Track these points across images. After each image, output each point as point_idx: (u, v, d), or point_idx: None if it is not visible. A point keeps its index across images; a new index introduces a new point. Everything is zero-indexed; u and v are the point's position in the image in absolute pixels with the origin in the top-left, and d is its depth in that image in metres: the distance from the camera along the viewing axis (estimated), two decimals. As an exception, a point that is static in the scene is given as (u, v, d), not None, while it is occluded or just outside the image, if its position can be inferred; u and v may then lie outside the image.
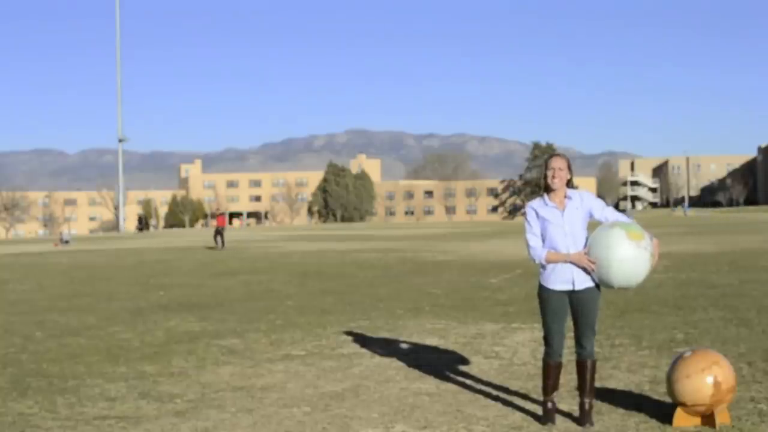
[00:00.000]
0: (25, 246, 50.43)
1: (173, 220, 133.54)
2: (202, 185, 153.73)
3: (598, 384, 6.98)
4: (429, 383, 7.44)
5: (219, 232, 36.00)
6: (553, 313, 6.02)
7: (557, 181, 5.97)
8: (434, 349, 9.14)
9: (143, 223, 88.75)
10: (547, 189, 6.01)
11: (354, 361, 8.55)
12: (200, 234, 63.71)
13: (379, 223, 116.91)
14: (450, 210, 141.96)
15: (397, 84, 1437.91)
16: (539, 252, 6.00)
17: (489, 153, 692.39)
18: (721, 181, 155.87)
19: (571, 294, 5.98)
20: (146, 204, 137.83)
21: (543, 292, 6.08)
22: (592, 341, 6.05)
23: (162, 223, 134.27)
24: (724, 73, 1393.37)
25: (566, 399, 6.63)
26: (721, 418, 5.75)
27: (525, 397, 6.84)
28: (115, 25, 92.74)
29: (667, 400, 6.25)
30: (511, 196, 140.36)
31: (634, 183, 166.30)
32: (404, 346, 9.41)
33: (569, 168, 6.03)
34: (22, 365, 8.77)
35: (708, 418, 5.75)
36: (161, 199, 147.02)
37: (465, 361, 8.44)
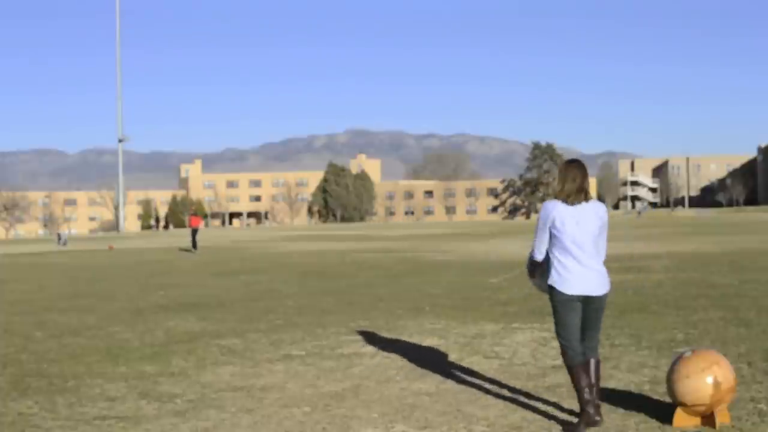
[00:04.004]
0: (25, 246, 50.43)
1: (174, 220, 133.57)
2: (202, 185, 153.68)
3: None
4: (429, 383, 7.43)
5: (194, 233, 35.08)
6: (573, 315, 5.93)
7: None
8: (434, 349, 9.14)
9: (160, 222, 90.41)
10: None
11: (354, 361, 8.55)
12: (200, 234, 63.65)
13: (379, 223, 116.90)
14: (450, 210, 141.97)
15: (397, 84, 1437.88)
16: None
17: (489, 153, 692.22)
18: (721, 181, 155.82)
19: (588, 298, 5.92)
20: (146, 204, 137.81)
21: (559, 296, 5.92)
22: (597, 340, 6.08)
23: (162, 223, 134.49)
24: (724, 73, 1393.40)
25: (566, 399, 6.63)
26: (721, 418, 5.75)
27: (525, 397, 6.83)
28: (115, 25, 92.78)
29: (667, 400, 6.25)
30: (511, 196, 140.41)
31: (634, 183, 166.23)
32: (404, 346, 9.41)
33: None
34: (22, 365, 8.77)
35: (708, 418, 5.75)
36: (161, 199, 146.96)
37: (465, 361, 8.44)
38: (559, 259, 5.92)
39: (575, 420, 6.01)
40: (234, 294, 15.68)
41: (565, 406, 6.45)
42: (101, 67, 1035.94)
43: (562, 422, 6.04)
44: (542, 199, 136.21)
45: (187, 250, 35.00)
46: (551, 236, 5.95)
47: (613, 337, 9.45)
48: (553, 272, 5.94)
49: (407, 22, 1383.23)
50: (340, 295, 14.93)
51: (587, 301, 5.94)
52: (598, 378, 6.01)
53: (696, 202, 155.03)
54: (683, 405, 5.77)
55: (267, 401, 6.93)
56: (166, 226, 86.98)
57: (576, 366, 5.91)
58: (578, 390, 5.90)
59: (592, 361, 5.99)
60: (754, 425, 5.79)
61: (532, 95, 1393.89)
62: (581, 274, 5.88)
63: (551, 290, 5.96)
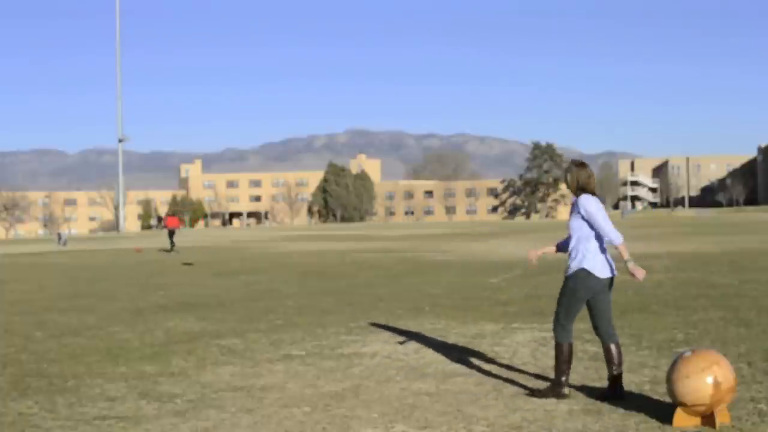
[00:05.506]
0: (25, 246, 50.44)
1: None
2: (202, 185, 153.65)
3: (598, 384, 7.10)
4: (429, 383, 7.43)
5: (171, 233, 34.83)
6: (584, 300, 6.60)
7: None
8: (434, 349, 9.14)
9: (160, 221, 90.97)
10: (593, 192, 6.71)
11: (354, 361, 8.55)
12: (200, 234, 63.71)
13: (379, 223, 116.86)
14: (450, 210, 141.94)
15: (397, 84, 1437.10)
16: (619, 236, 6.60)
17: (489, 153, 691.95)
18: (721, 181, 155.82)
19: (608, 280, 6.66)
20: (146, 204, 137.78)
21: (590, 281, 6.54)
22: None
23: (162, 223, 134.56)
24: (724, 73, 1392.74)
25: (566, 399, 6.63)
26: (721, 418, 5.74)
27: (525, 397, 6.83)
28: (115, 25, 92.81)
29: (667, 400, 6.25)
30: (511, 196, 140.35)
31: (634, 183, 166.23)
32: (404, 346, 9.41)
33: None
34: (22, 365, 8.76)
35: (708, 418, 5.74)
36: (161, 199, 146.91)
37: (465, 361, 8.44)
38: (598, 247, 6.60)
39: (558, 400, 6.56)
40: (234, 294, 15.68)
41: (566, 405, 6.45)
42: (101, 67, 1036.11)
43: (562, 422, 6.04)
44: (542, 199, 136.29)
45: (165, 251, 34.88)
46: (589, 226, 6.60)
47: (613, 337, 9.44)
48: (590, 258, 6.54)
49: (407, 22, 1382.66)
50: (340, 295, 14.93)
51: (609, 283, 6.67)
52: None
53: (696, 202, 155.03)
54: (683, 405, 5.77)
55: (267, 401, 6.93)
56: (159, 226, 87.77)
57: (563, 344, 6.69)
58: (558, 369, 6.70)
59: (614, 346, 6.65)
60: (754, 425, 5.78)
61: (532, 95, 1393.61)
62: (607, 256, 6.69)
63: (587, 275, 6.50)
